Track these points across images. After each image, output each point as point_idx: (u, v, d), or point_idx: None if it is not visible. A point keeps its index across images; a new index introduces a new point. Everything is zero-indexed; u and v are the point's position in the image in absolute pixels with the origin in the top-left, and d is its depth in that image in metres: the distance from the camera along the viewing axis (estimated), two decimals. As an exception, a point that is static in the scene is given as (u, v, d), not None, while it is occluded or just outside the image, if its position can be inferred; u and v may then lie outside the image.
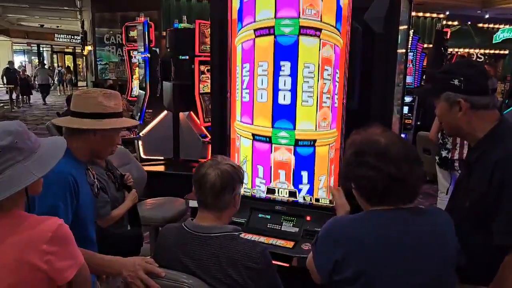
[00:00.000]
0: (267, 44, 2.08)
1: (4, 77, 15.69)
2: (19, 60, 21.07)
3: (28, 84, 16.18)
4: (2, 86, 17.09)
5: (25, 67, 20.69)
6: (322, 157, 2.14)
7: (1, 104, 14.20)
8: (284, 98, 2.09)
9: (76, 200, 1.58)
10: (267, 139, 2.16)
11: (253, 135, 2.21)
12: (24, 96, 16.14)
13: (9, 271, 1.12)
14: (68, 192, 1.54)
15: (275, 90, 2.10)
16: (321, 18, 2.01)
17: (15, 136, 1.18)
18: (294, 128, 2.11)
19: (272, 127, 2.14)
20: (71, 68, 24.67)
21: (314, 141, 2.11)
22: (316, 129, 2.10)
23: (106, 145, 1.73)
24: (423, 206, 1.32)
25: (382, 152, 1.22)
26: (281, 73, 2.07)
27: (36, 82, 17.72)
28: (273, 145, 2.15)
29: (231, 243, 1.45)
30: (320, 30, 2.01)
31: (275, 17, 2.04)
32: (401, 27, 2.11)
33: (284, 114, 2.11)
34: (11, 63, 16.94)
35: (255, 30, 2.11)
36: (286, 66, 2.06)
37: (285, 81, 2.07)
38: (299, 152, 2.13)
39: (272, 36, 2.06)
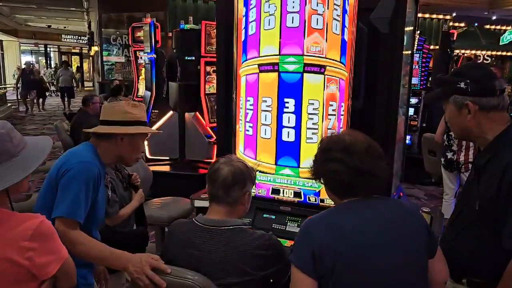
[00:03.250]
0: (271, 80, 2.07)
1: (20, 80, 13.72)
2: (24, 61, 20.51)
3: (42, 86, 14.32)
4: (10, 86, 17.05)
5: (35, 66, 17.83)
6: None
7: (9, 104, 14.24)
8: (288, 135, 2.07)
9: (96, 193, 1.67)
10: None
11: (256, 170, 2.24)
12: (39, 99, 14.16)
13: None
14: (92, 182, 1.64)
15: (279, 127, 2.08)
16: (325, 54, 1.99)
17: None
18: (298, 166, 2.10)
19: (276, 164, 2.14)
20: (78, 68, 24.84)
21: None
22: None
23: (132, 151, 1.82)
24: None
25: (347, 147, 1.34)
26: (285, 110, 2.06)
27: (58, 85, 14.92)
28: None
29: (239, 234, 1.49)
30: (324, 67, 1.99)
31: (279, 54, 2.02)
32: (407, 28, 2.11)
33: (288, 151, 2.10)
34: (28, 63, 14.60)
35: (259, 65, 2.10)
36: (290, 103, 2.04)
37: (289, 118, 2.06)
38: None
39: (276, 73, 2.05)
